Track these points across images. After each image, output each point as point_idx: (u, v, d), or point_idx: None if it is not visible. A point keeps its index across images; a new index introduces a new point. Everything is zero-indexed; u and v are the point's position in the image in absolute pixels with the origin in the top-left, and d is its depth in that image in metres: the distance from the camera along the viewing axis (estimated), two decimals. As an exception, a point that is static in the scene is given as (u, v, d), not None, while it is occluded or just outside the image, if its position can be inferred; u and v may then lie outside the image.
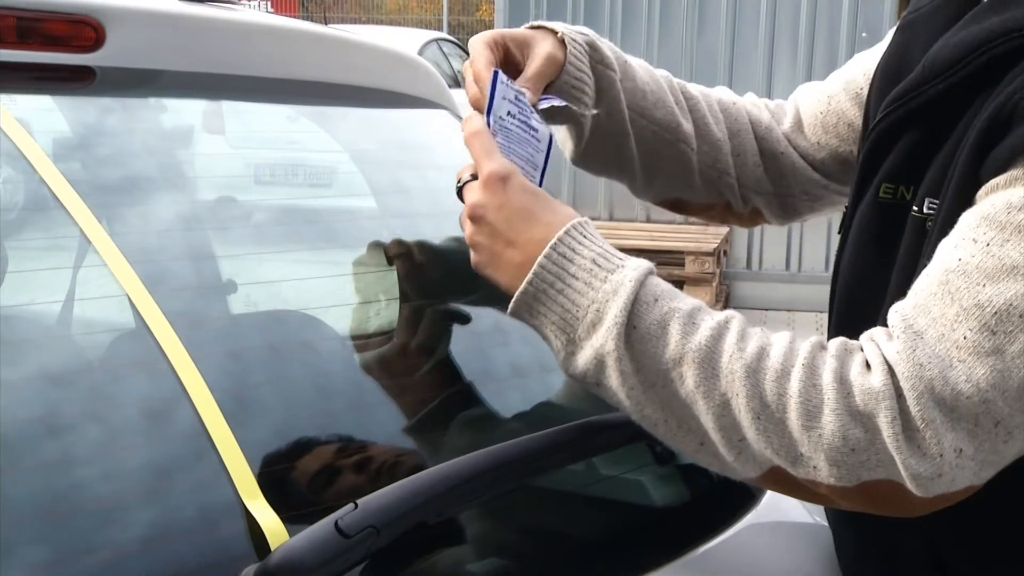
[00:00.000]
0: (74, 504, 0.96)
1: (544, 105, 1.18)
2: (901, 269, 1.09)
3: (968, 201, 0.99)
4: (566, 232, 1.03)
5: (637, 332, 0.99)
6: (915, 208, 1.08)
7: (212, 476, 0.97)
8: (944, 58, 1.06)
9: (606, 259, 1.02)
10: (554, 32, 1.24)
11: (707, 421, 0.99)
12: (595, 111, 1.26)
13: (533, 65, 1.19)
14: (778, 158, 1.40)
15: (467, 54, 1.29)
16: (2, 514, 0.90)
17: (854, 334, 1.02)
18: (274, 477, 1.03)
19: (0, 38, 1.16)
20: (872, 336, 0.99)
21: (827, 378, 0.96)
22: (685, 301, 1.02)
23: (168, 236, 1.24)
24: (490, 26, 12.08)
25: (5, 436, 0.95)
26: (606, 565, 1.20)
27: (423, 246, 1.40)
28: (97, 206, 1.11)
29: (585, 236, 1.03)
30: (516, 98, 1.14)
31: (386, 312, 1.41)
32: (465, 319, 1.38)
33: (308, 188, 1.66)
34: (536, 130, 1.15)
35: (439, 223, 1.42)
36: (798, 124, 1.42)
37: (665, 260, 6.66)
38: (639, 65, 1.33)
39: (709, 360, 0.98)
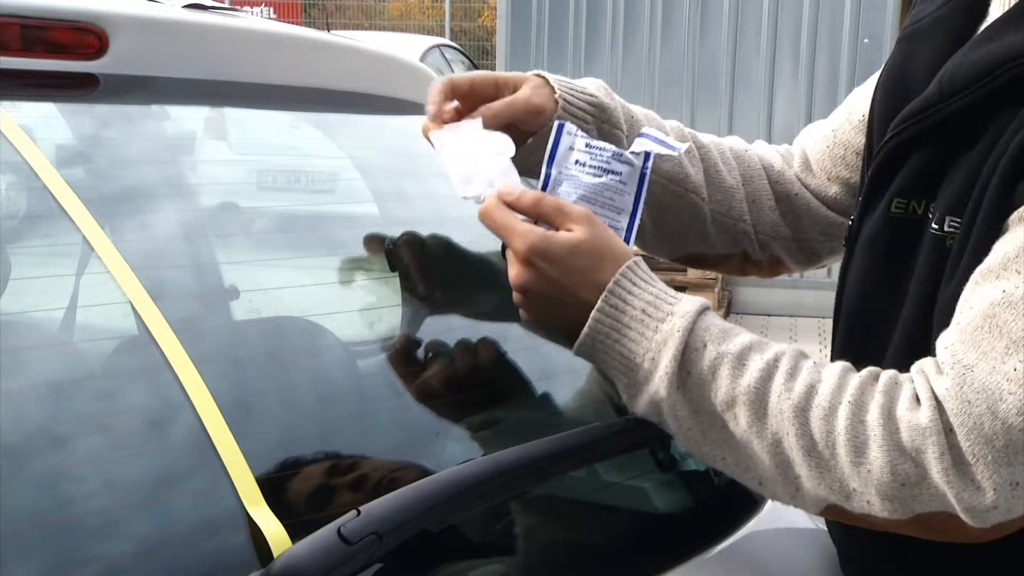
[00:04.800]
0: (77, 511, 0.96)
1: (637, 148, 1.14)
2: (919, 285, 1.09)
3: (998, 224, 1.00)
4: (616, 283, 1.05)
5: (691, 378, 1.03)
6: (935, 226, 1.08)
7: (215, 483, 0.97)
8: (964, 75, 1.06)
9: (655, 307, 1.05)
10: (548, 83, 1.23)
11: (763, 460, 1.02)
12: None
13: (502, 103, 1.18)
14: (793, 200, 1.40)
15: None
16: (5, 522, 0.90)
17: (861, 345, 1.02)
18: (277, 484, 1.03)
19: (4, 45, 1.16)
20: (922, 368, 1.00)
21: (874, 414, 0.97)
22: (735, 342, 1.03)
23: (170, 242, 1.24)
24: (492, 32, 12.08)
25: (7, 443, 0.95)
26: (609, 572, 1.20)
27: (425, 252, 1.40)
28: (100, 213, 1.11)
29: (634, 284, 1.06)
30: (587, 146, 1.13)
31: (388, 319, 1.41)
32: (467, 326, 1.38)
33: (310, 195, 1.66)
34: (618, 173, 1.13)
35: (441, 229, 1.42)
36: (806, 164, 1.42)
37: (667, 266, 6.63)
38: (646, 118, 1.32)
39: (759, 401, 1.01)
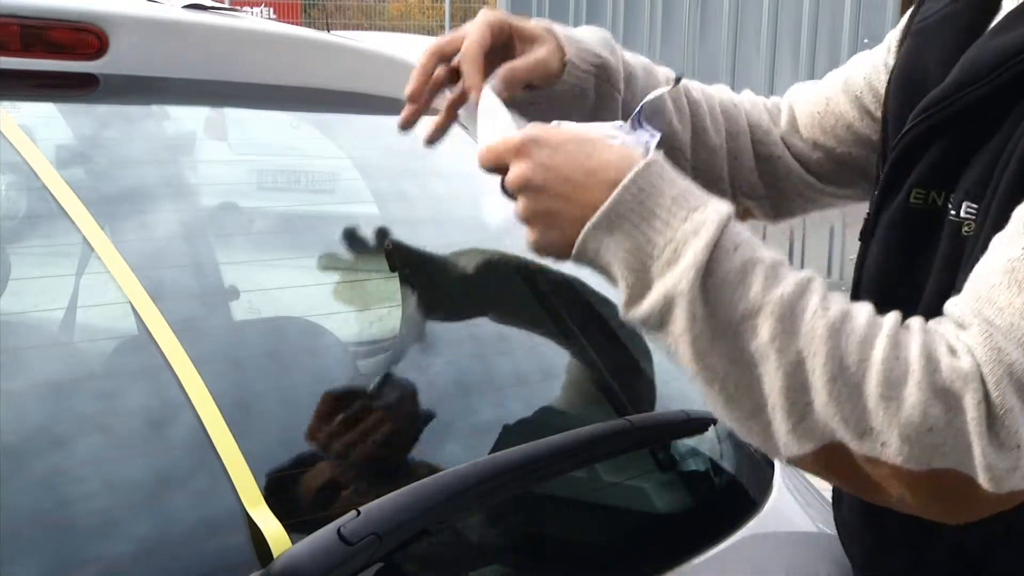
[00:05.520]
0: (77, 511, 0.96)
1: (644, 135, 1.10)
2: (937, 273, 1.08)
3: (1014, 206, 0.98)
4: (646, 166, 0.97)
5: (713, 279, 0.94)
6: (952, 213, 1.07)
7: (215, 483, 0.97)
8: (983, 63, 1.06)
9: (685, 198, 0.97)
10: (559, 42, 1.21)
11: (773, 380, 0.94)
12: None
13: (522, 64, 1.17)
14: (775, 161, 1.40)
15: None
16: (5, 522, 0.90)
17: None
18: (277, 484, 1.03)
19: (4, 45, 1.16)
20: (946, 321, 0.96)
21: (914, 352, 0.92)
22: (766, 252, 0.97)
23: (170, 242, 1.24)
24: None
25: (8, 443, 0.95)
26: (609, 572, 1.20)
27: (425, 253, 1.40)
28: (100, 213, 1.11)
29: (664, 172, 0.98)
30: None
31: (388, 319, 1.41)
32: (467, 326, 1.38)
33: (310, 195, 1.66)
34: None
35: (441, 229, 1.42)
36: (793, 124, 1.41)
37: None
38: (643, 70, 1.31)
39: (790, 315, 0.93)
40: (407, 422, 1.26)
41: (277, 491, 1.01)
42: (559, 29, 1.23)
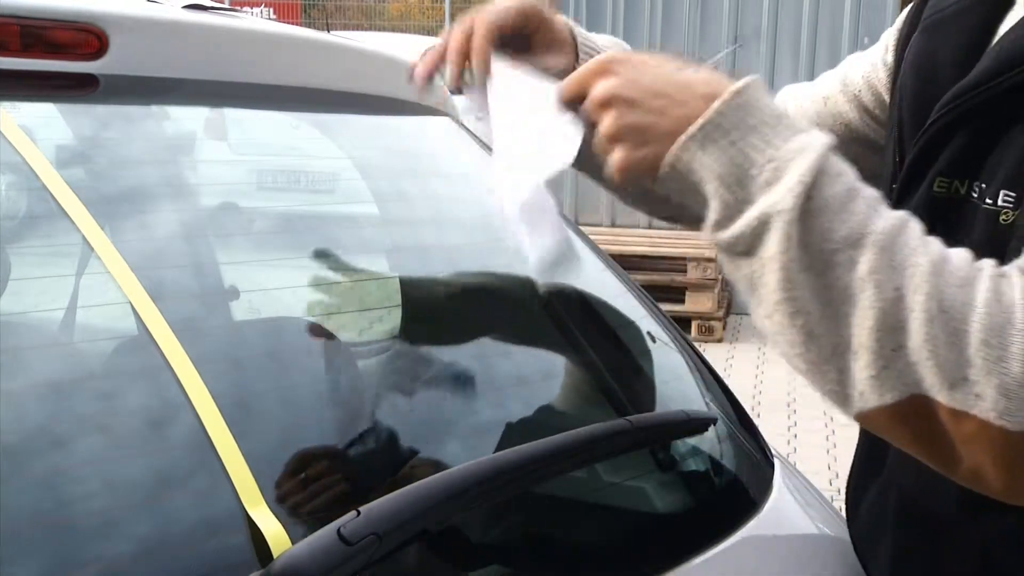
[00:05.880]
0: (77, 511, 0.96)
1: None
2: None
3: None
4: (747, 83, 0.93)
5: (814, 202, 0.88)
6: (988, 201, 1.04)
7: (214, 483, 0.97)
8: (1021, 50, 1.04)
9: (788, 119, 0.93)
10: (572, 35, 1.19)
11: (864, 318, 0.87)
12: None
13: (542, 65, 1.13)
14: None
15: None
16: (5, 522, 0.90)
17: None
18: (277, 484, 1.03)
19: (3, 46, 1.16)
20: None
21: (1018, 297, 0.86)
22: (867, 186, 0.92)
23: (171, 243, 1.24)
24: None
25: (7, 443, 0.95)
26: (609, 572, 1.20)
27: (425, 254, 1.40)
28: (100, 213, 1.11)
29: (764, 91, 0.95)
30: None
31: (389, 319, 1.41)
32: (468, 327, 1.38)
33: (310, 195, 1.66)
34: None
35: (441, 230, 1.42)
36: None
37: (667, 266, 6.66)
38: None
39: (891, 248, 0.88)
40: (407, 422, 1.27)
41: (277, 491, 1.01)
42: (577, 35, 1.21)
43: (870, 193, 0.91)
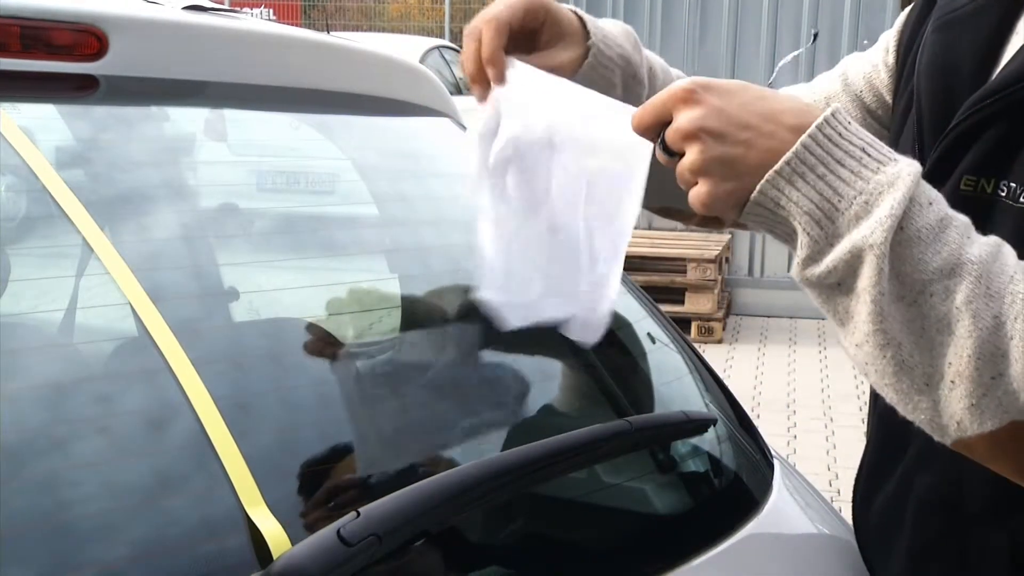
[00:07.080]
0: (77, 513, 0.96)
1: None
2: None
3: None
4: (832, 114, 0.91)
5: (905, 233, 0.88)
6: (1015, 199, 1.04)
7: (214, 484, 0.97)
8: None
9: (877, 149, 0.91)
10: (585, 30, 1.16)
11: (962, 347, 0.87)
12: None
13: (553, 60, 1.12)
14: None
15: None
16: (4, 523, 0.90)
17: None
18: (276, 485, 1.03)
19: (4, 47, 1.16)
20: None
21: None
22: (957, 213, 0.91)
23: (170, 244, 1.24)
24: (492, 33, 12.00)
25: (7, 444, 0.95)
26: (609, 573, 1.20)
27: (425, 254, 1.40)
28: (99, 214, 1.11)
29: (851, 123, 0.92)
30: None
31: (388, 320, 1.41)
32: (467, 327, 1.38)
33: (310, 196, 1.66)
34: None
35: (441, 231, 1.42)
36: None
37: (667, 267, 6.67)
38: (662, 70, 1.28)
39: (987, 276, 0.87)
40: (407, 423, 1.27)
41: (277, 492, 1.01)
42: (590, 24, 1.18)
43: (961, 220, 0.91)
